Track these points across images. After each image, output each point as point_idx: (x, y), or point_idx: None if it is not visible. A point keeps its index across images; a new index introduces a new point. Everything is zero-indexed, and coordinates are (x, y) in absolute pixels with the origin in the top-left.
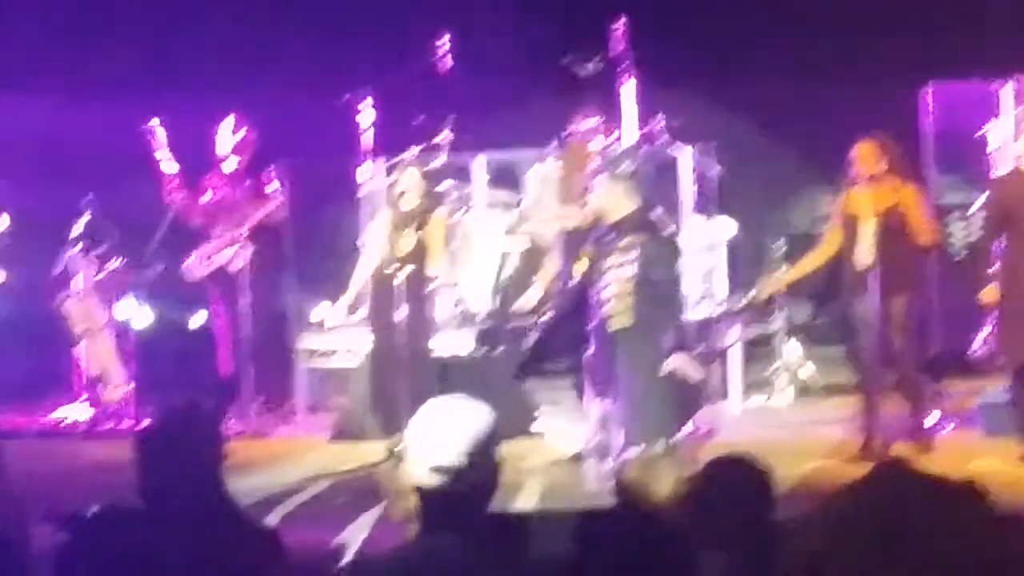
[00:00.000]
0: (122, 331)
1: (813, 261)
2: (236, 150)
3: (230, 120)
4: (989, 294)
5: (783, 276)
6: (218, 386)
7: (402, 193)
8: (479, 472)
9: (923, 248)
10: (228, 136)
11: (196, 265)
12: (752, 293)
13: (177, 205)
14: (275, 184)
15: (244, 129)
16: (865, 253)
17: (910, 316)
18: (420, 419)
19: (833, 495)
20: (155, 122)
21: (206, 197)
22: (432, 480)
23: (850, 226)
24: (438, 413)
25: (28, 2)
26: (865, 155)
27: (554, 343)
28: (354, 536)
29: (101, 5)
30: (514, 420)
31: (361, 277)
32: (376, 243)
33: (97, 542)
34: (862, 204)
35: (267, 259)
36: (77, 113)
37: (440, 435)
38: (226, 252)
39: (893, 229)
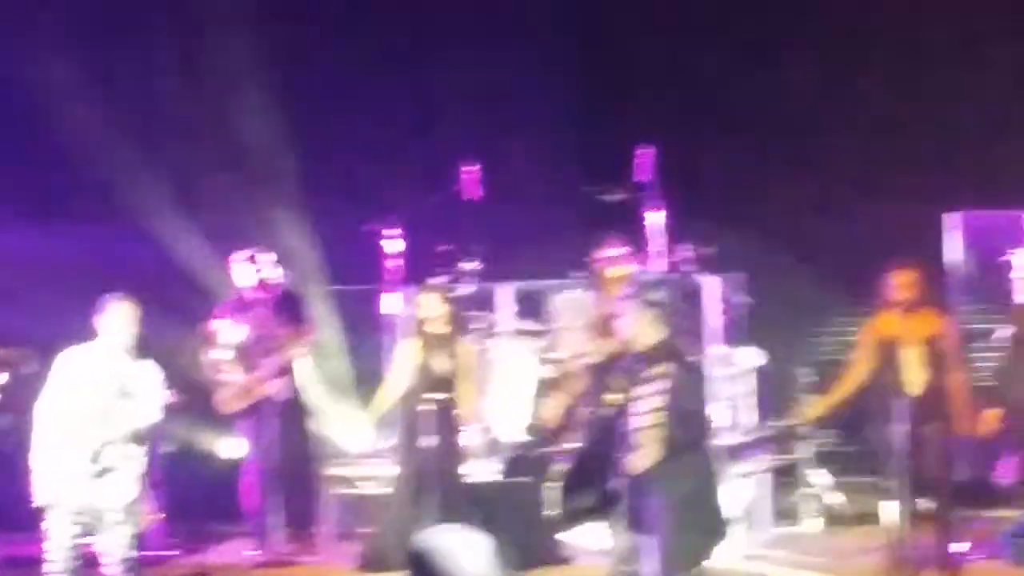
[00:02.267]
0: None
1: (847, 387)
2: (268, 279)
3: (258, 250)
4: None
5: (818, 403)
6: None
7: (425, 319)
8: None
9: (952, 380)
10: (261, 265)
11: (233, 398)
12: (783, 421)
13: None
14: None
15: (272, 258)
16: (913, 380)
17: (946, 444)
18: (413, 545)
19: None
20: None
21: (242, 328)
22: None
23: (886, 352)
24: (427, 542)
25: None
26: (903, 282)
27: (588, 475)
28: None
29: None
30: (538, 547)
31: (386, 403)
32: (403, 369)
33: None
34: (903, 331)
35: (296, 387)
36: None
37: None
38: (268, 384)
39: (935, 357)
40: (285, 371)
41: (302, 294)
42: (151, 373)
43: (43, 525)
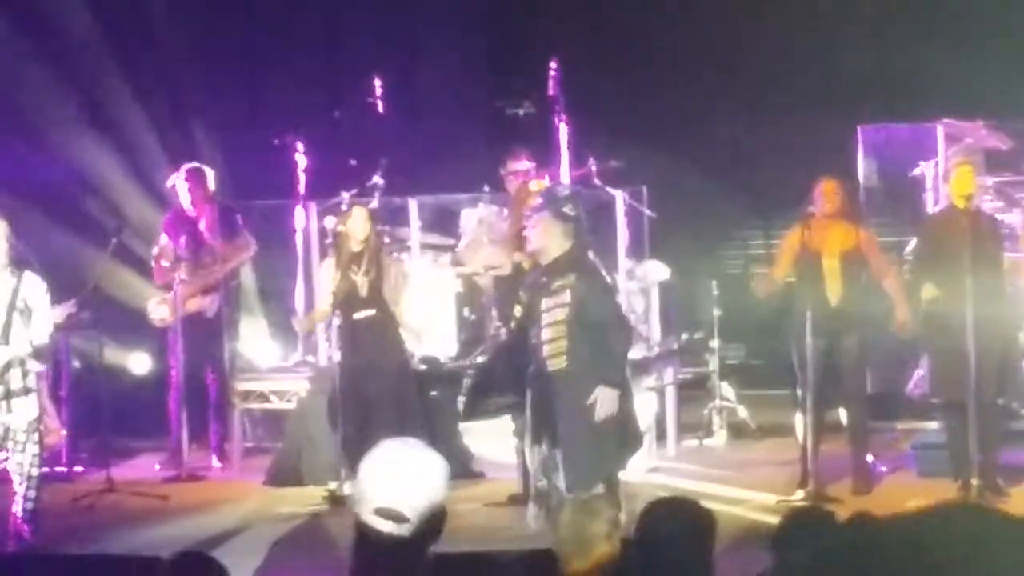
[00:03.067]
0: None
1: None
2: (203, 195)
3: (193, 167)
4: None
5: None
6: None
7: (348, 236)
8: (423, 517)
9: (880, 288)
10: (195, 181)
11: (162, 309)
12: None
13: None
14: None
15: (206, 174)
16: (834, 291)
17: (863, 356)
18: (371, 461)
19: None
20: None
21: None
22: (376, 523)
23: (806, 263)
24: (389, 457)
25: None
26: (828, 193)
27: (494, 385)
28: None
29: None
30: (452, 462)
31: (311, 319)
32: (325, 286)
33: None
34: (825, 242)
35: (229, 304)
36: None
37: (388, 479)
38: (199, 299)
39: (854, 269)
40: (213, 287)
41: (237, 210)
42: (37, 285)
43: None
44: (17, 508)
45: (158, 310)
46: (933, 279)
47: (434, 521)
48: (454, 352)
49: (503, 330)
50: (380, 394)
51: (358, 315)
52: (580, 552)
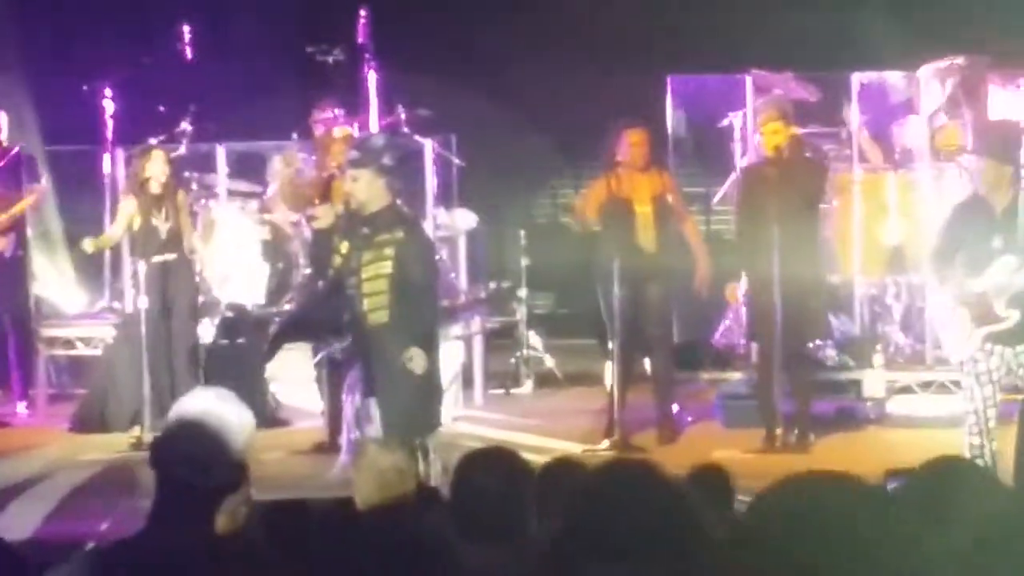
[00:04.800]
0: None
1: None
2: None
3: None
4: (731, 288)
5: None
6: None
7: (148, 179)
8: (225, 465)
9: (683, 236)
10: None
11: None
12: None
13: None
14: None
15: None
16: (647, 238)
17: (667, 305)
18: (175, 408)
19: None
20: None
21: None
22: (178, 470)
23: (616, 211)
24: (193, 404)
25: None
26: (637, 141)
27: (301, 330)
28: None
29: None
30: (258, 410)
31: (100, 241)
32: (120, 227)
33: None
34: (635, 190)
35: (24, 248)
36: None
37: (190, 427)
38: None
39: (664, 215)
40: (11, 230)
41: (30, 154)
42: None
43: None
44: None
45: None
46: (750, 230)
47: (234, 471)
48: (262, 300)
49: (312, 277)
50: (177, 339)
51: (157, 258)
52: (375, 486)
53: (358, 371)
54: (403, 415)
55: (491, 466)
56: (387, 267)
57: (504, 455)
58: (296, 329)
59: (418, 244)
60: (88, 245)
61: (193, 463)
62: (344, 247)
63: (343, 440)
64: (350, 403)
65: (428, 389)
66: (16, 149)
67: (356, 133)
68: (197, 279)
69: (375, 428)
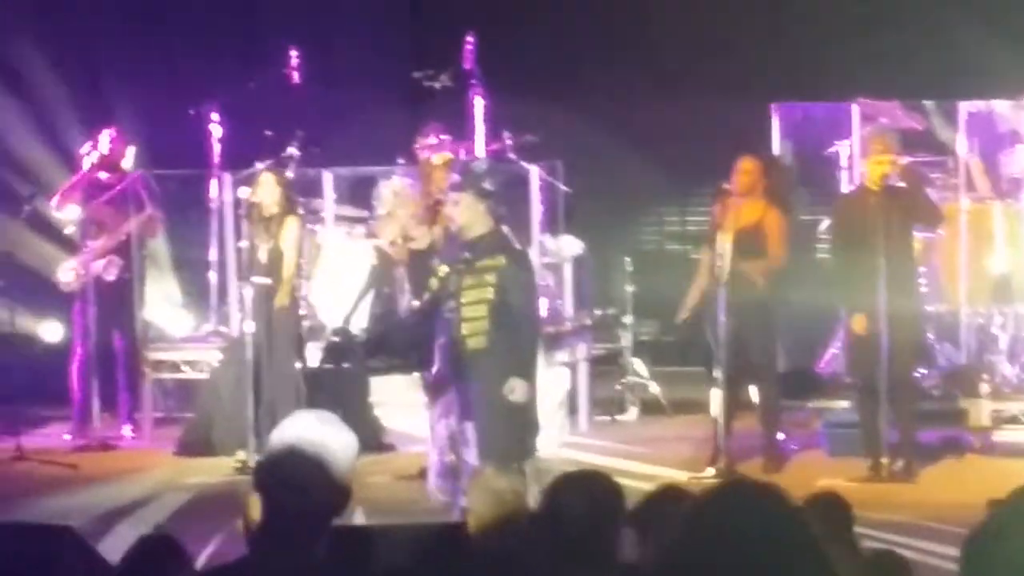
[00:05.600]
0: None
1: (702, 278)
2: (113, 162)
3: (110, 132)
4: (857, 319)
5: (684, 305)
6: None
7: (258, 204)
8: (327, 489)
9: (773, 269)
10: (107, 147)
11: (69, 274)
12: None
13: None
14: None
15: (123, 142)
16: (724, 268)
17: (773, 333)
18: (278, 432)
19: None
20: None
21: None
22: (280, 494)
23: (714, 240)
24: (295, 428)
25: None
26: (738, 171)
27: (387, 343)
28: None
29: None
30: (363, 434)
31: (223, 288)
32: (236, 254)
33: None
34: (727, 219)
35: (128, 270)
36: None
37: (292, 451)
38: (100, 263)
39: (746, 248)
40: (116, 252)
41: (145, 177)
42: None
43: None
44: None
45: (65, 274)
46: (847, 259)
47: (339, 495)
48: (367, 324)
49: (415, 303)
50: (279, 363)
51: (258, 281)
52: (490, 508)
53: (453, 395)
54: (500, 440)
55: (581, 488)
56: (488, 293)
57: (594, 478)
58: (381, 339)
59: (520, 271)
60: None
61: (295, 487)
62: (442, 270)
63: (433, 463)
64: (443, 426)
65: (525, 415)
66: (135, 175)
67: (462, 158)
68: (299, 304)
69: (472, 452)
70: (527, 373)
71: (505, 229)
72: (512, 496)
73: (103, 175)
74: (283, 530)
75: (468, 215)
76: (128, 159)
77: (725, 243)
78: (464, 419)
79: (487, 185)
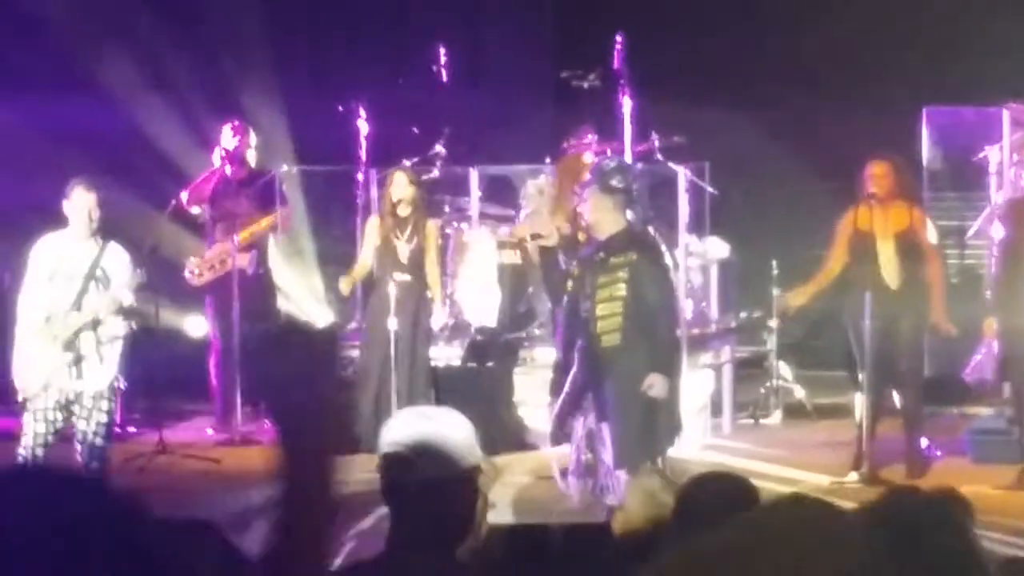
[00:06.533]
0: None
1: (824, 278)
2: (239, 156)
3: (233, 126)
4: (989, 323)
5: (797, 293)
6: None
7: (397, 202)
8: (444, 482)
9: (929, 272)
10: (231, 141)
11: (199, 270)
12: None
13: (187, 208)
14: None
15: (247, 135)
16: (890, 274)
17: (918, 338)
18: (385, 434)
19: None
20: None
21: (208, 202)
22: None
23: (861, 245)
24: (410, 417)
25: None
26: (880, 174)
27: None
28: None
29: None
30: (506, 434)
31: (356, 278)
32: (369, 252)
33: None
34: (878, 224)
35: (266, 265)
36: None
37: (404, 436)
38: (245, 257)
39: (906, 251)
40: (253, 247)
41: (274, 172)
42: (119, 255)
43: (24, 415)
44: None
45: (193, 269)
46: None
47: (463, 490)
48: (510, 323)
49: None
50: (415, 360)
51: (398, 277)
52: (645, 508)
53: (591, 393)
54: (634, 438)
55: (715, 489)
56: (621, 289)
57: (729, 479)
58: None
59: (653, 266)
60: (344, 286)
61: (410, 487)
62: (577, 270)
63: (571, 463)
64: (581, 426)
65: (662, 414)
66: (272, 173)
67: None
68: (437, 302)
69: (608, 452)
70: (666, 369)
71: (650, 229)
72: (665, 496)
73: (229, 169)
74: (414, 528)
75: (596, 212)
76: (253, 151)
77: (888, 249)
78: (600, 419)
79: (615, 182)
